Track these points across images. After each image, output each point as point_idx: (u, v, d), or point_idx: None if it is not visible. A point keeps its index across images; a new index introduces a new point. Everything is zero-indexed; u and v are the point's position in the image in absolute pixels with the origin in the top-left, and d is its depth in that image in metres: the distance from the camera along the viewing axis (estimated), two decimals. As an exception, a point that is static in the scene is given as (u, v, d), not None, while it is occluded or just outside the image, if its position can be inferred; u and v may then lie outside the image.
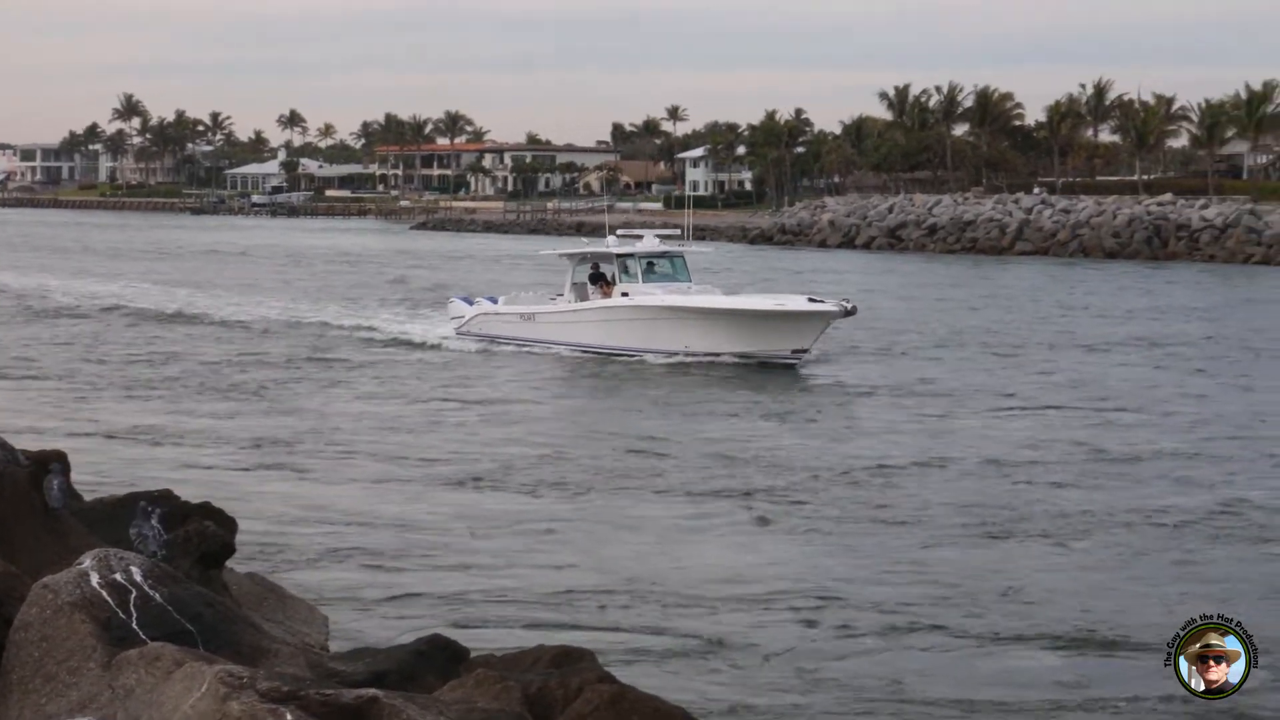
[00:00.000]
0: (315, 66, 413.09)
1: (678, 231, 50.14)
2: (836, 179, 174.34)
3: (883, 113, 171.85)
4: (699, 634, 17.44)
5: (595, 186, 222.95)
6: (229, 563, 12.91)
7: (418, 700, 8.71)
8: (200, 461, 27.59)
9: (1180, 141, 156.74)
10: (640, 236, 48.20)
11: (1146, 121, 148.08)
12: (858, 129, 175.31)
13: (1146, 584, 19.95)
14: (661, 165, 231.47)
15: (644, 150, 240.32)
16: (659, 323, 44.36)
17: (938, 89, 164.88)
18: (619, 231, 50.85)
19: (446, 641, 10.89)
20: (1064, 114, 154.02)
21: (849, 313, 42.69)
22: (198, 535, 12.28)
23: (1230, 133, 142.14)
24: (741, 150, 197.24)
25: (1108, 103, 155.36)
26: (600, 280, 47.40)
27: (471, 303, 50.71)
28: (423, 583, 19.51)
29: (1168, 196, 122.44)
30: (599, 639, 16.05)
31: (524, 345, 47.05)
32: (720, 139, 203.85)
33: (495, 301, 50.31)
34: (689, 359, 43.43)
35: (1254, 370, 44.08)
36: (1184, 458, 29.36)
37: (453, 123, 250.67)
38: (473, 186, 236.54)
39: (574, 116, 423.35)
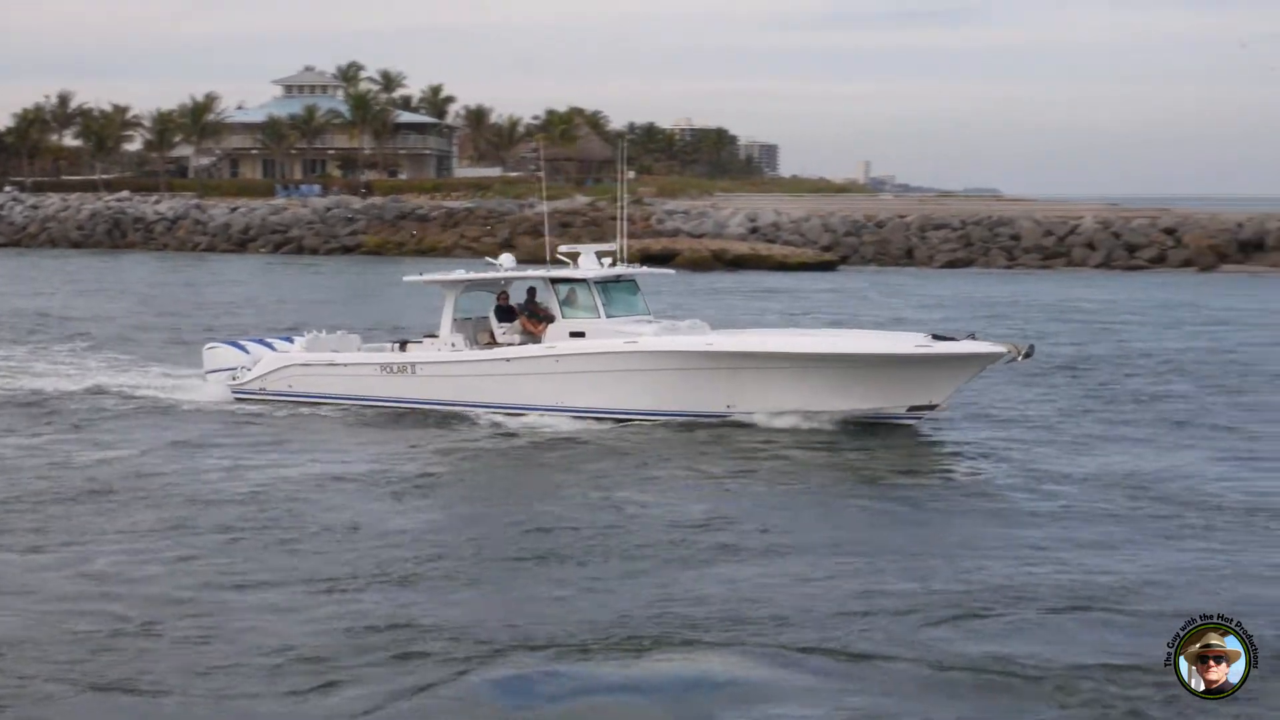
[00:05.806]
0: None
1: (612, 248, 33.80)
2: None
3: None
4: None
5: None
6: None
7: None
8: None
9: (136, 145, 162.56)
10: (576, 255, 33.11)
11: (105, 127, 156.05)
12: None
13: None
14: None
15: None
16: (669, 374, 30.36)
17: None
18: (560, 249, 33.51)
19: None
20: (32, 120, 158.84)
21: (1026, 354, 29.08)
22: None
23: (178, 137, 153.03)
24: None
25: (70, 110, 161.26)
26: (509, 315, 33.05)
27: (244, 349, 35.35)
28: None
29: (125, 193, 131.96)
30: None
31: (392, 407, 32.54)
32: None
33: (272, 348, 35.15)
34: (737, 419, 30.02)
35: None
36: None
37: None
38: None
39: None
